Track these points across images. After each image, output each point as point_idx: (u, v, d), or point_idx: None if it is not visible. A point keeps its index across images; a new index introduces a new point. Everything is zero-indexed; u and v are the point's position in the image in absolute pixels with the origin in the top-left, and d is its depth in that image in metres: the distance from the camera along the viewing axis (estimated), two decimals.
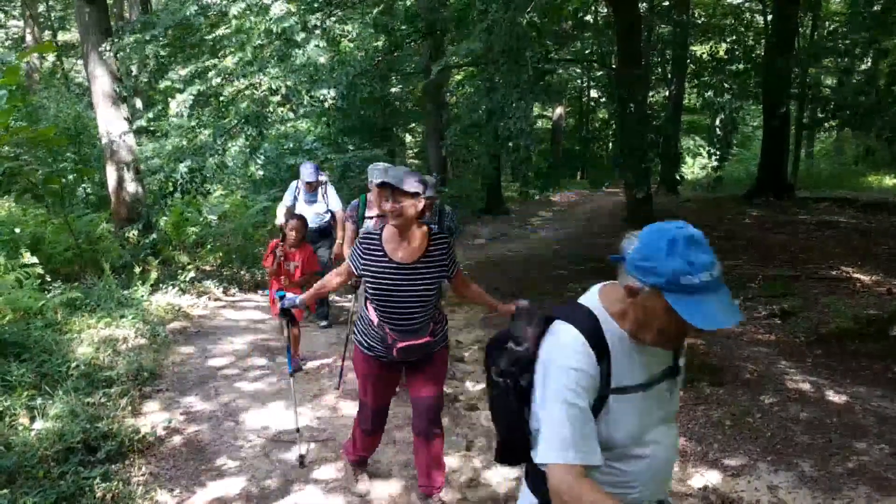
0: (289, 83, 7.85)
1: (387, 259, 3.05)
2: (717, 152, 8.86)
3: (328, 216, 7.04)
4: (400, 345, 3.11)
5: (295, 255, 5.60)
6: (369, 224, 4.82)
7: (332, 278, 3.42)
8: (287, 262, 5.58)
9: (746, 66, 8.96)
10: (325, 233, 7.08)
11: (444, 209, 5.15)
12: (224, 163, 9.08)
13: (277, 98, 8.07)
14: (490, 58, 7.09)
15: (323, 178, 7.09)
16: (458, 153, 19.13)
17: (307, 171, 6.78)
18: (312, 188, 6.86)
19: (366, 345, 3.25)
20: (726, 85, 9.04)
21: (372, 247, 3.09)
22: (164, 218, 9.58)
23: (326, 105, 8.84)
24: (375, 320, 3.14)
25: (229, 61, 7.96)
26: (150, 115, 8.78)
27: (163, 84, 9.31)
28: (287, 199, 7.04)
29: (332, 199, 7.09)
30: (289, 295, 3.69)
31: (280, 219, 6.79)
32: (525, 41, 6.88)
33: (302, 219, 5.70)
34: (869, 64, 11.45)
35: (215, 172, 8.38)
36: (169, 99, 8.35)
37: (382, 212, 2.83)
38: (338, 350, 6.42)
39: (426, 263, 3.09)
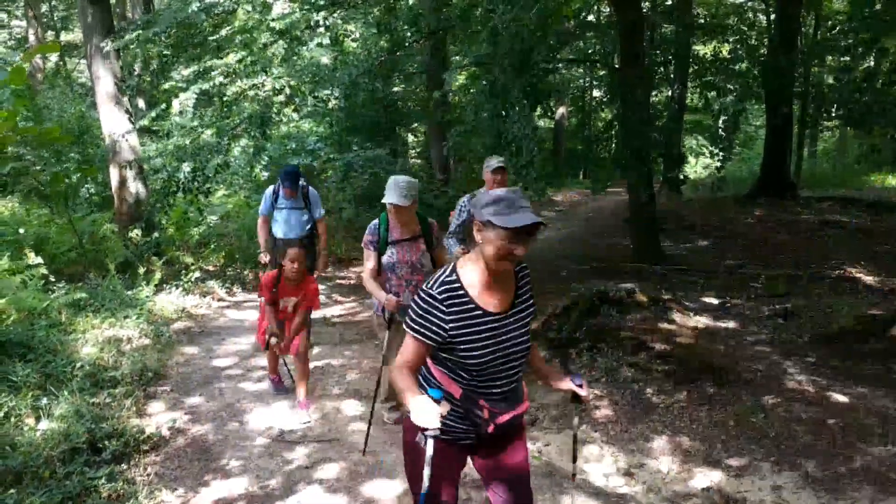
0: (292, 83, 7.85)
1: (479, 312, 2.26)
2: (720, 153, 8.86)
3: (311, 224, 6.31)
4: (500, 420, 2.32)
5: (295, 290, 4.78)
6: (394, 253, 4.13)
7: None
8: (285, 299, 4.78)
9: (749, 67, 8.94)
10: (310, 244, 6.28)
11: None
12: (227, 163, 9.07)
13: (281, 98, 8.07)
14: (496, 60, 7.08)
15: (302, 181, 6.30)
16: (462, 154, 19.11)
17: (286, 177, 6.04)
18: (293, 194, 6.11)
19: (441, 430, 2.20)
20: (730, 86, 9.03)
21: (457, 300, 2.24)
22: (166, 217, 9.60)
23: (330, 105, 8.84)
24: (458, 393, 2.32)
25: (231, 58, 7.96)
26: (153, 114, 8.77)
27: (166, 84, 9.33)
28: (263, 208, 6.26)
29: (314, 205, 6.28)
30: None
31: (261, 238, 6.24)
32: (530, 42, 6.88)
33: (304, 247, 5.01)
34: (871, 63, 11.44)
35: (217, 172, 8.36)
36: (172, 98, 8.34)
37: (504, 254, 2.13)
38: (339, 352, 6.45)
39: (521, 308, 2.37)
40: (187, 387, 5.42)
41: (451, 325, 2.22)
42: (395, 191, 4.02)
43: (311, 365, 6.00)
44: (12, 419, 4.18)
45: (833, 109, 9.32)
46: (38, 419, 4.25)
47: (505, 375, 2.33)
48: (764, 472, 3.79)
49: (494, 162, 5.04)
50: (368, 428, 4.25)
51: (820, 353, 5.69)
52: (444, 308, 2.22)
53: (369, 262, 4.17)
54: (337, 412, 4.94)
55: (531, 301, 2.42)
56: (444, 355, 2.31)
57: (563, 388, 2.54)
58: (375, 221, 4.21)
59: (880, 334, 5.86)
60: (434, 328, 2.22)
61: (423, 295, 2.26)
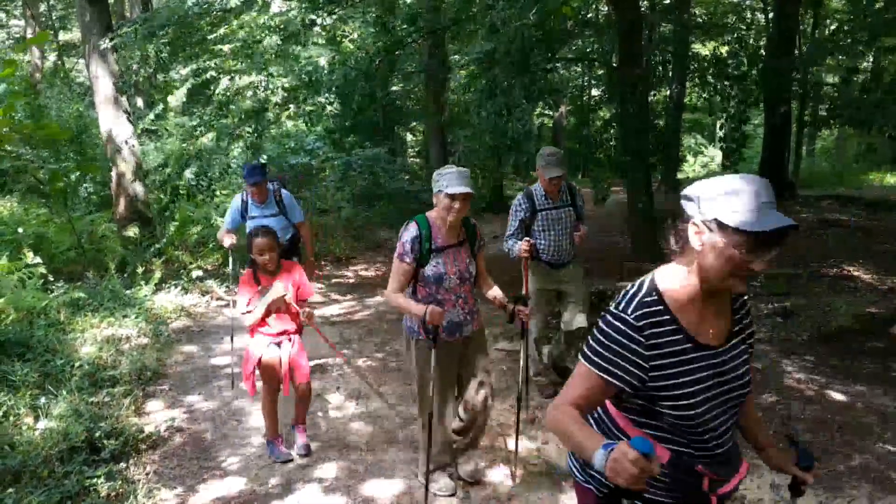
0: (287, 84, 7.83)
1: (690, 344, 1.66)
2: (729, 162, 8.95)
3: (291, 231, 5.61)
4: (723, 490, 1.78)
5: (283, 284, 3.98)
6: (440, 263, 3.35)
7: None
8: (264, 289, 3.98)
9: (747, 70, 8.95)
10: (292, 252, 5.65)
11: (574, 187, 4.86)
12: (228, 164, 9.10)
13: (277, 99, 8.06)
14: (496, 59, 7.07)
15: (273, 185, 5.53)
16: (469, 158, 19.12)
17: (250, 171, 5.28)
18: (262, 195, 5.31)
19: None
20: (731, 92, 9.04)
21: (661, 327, 1.65)
22: (174, 223, 9.60)
23: (327, 110, 8.85)
24: (666, 456, 1.70)
25: (226, 48, 7.94)
26: (153, 115, 8.80)
27: (162, 77, 9.33)
28: (229, 221, 5.47)
29: (290, 209, 5.52)
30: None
31: (225, 241, 5.42)
32: (530, 42, 6.88)
33: (268, 232, 4.01)
34: (871, 62, 11.45)
35: (221, 176, 8.40)
36: (168, 96, 8.36)
37: (737, 269, 1.55)
38: (342, 350, 6.44)
39: (741, 339, 1.79)
40: (186, 386, 5.42)
41: (652, 362, 1.63)
42: (458, 178, 3.28)
43: (309, 363, 5.99)
44: (11, 418, 4.18)
45: (839, 111, 9.32)
46: (36, 418, 4.25)
47: (723, 429, 1.75)
48: (762, 471, 3.78)
49: (548, 151, 4.67)
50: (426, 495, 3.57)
51: (819, 351, 5.69)
52: (642, 339, 1.62)
53: (398, 278, 3.37)
54: (336, 411, 4.94)
55: (752, 329, 1.84)
56: (639, 402, 1.71)
57: (785, 469, 1.93)
58: (412, 228, 3.34)
59: (879, 333, 5.88)
60: (628, 366, 1.63)
61: (611, 319, 1.66)
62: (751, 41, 12.43)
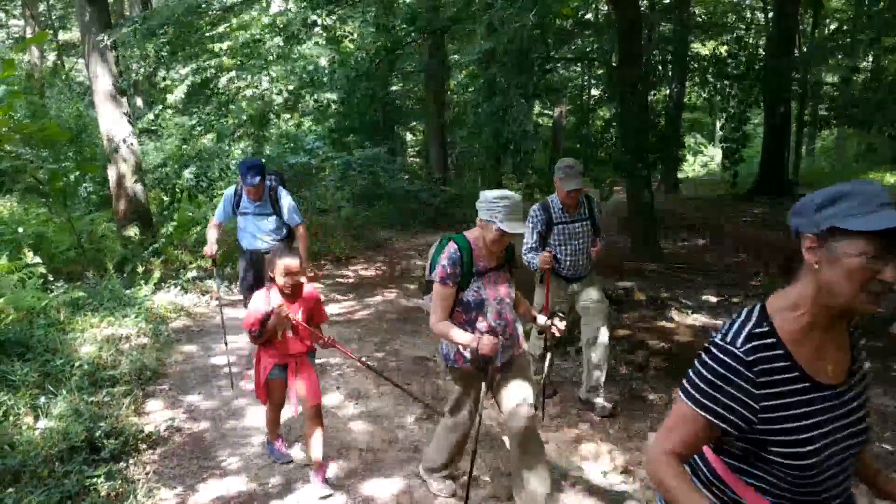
0: (290, 87, 7.84)
1: (807, 382, 1.47)
2: (730, 164, 8.97)
3: (284, 231, 5.32)
4: None
5: (295, 307, 3.66)
6: (481, 288, 3.11)
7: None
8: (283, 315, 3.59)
9: (748, 71, 8.98)
10: None
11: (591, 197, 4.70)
12: (228, 165, 9.10)
13: (279, 100, 8.07)
14: (495, 58, 7.08)
15: (269, 181, 5.25)
16: (466, 157, 19.16)
17: (248, 171, 4.91)
18: (258, 194, 5.07)
19: None
20: (730, 91, 9.06)
21: (773, 363, 1.46)
22: (173, 223, 9.61)
23: (330, 109, 8.86)
24: None
25: (225, 44, 7.95)
26: (152, 116, 8.81)
27: (160, 76, 9.34)
28: (220, 213, 5.27)
29: (286, 209, 5.20)
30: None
31: (210, 246, 5.22)
32: (531, 41, 6.88)
33: (295, 254, 3.62)
34: (870, 62, 11.45)
35: (220, 177, 8.42)
36: (167, 95, 8.37)
37: (867, 280, 1.36)
38: (337, 350, 6.42)
39: (859, 378, 1.58)
40: (186, 385, 5.43)
41: (764, 402, 1.44)
42: (514, 214, 2.98)
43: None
44: (11, 418, 4.18)
45: (839, 111, 9.34)
46: (36, 418, 4.25)
47: (840, 480, 1.53)
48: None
49: (566, 163, 4.46)
50: None
51: None
52: (752, 375, 1.43)
53: (442, 305, 3.09)
54: (336, 411, 4.94)
55: (868, 365, 1.62)
56: (743, 446, 1.51)
57: None
58: (452, 249, 3.05)
59: (879, 332, 5.88)
60: (735, 405, 1.44)
61: (716, 352, 1.48)
62: (750, 40, 12.44)
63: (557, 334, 3.40)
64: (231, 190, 5.23)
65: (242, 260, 5.42)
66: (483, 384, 3.19)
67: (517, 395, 3.22)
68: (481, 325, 3.12)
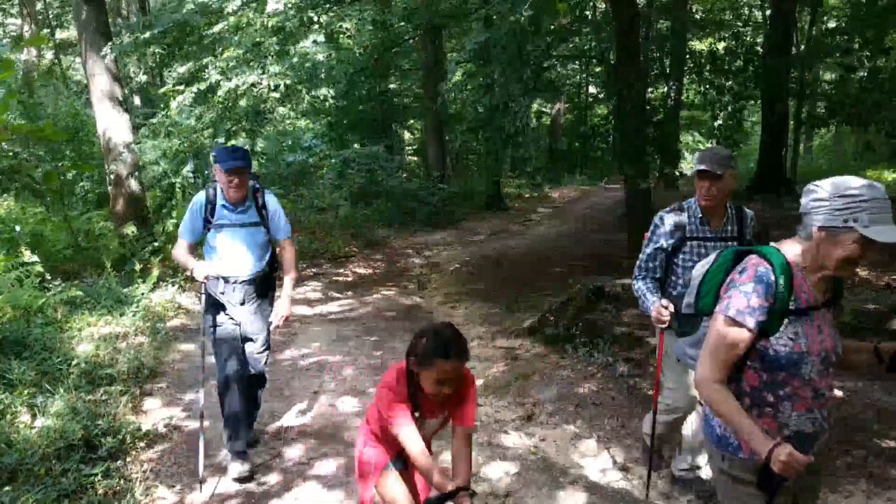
0: (288, 82, 7.83)
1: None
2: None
3: (270, 250, 4.03)
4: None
5: (437, 410, 2.64)
6: (800, 334, 1.98)
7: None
8: (422, 420, 2.62)
9: (744, 66, 8.98)
10: (268, 283, 4.05)
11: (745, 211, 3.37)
12: None
13: (276, 95, 8.06)
14: (492, 53, 7.08)
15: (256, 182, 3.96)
16: (461, 151, 19.15)
17: (229, 154, 3.70)
18: (240, 192, 3.73)
19: None
20: (726, 83, 9.07)
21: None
22: (171, 220, 9.59)
23: (327, 104, 8.84)
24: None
25: (229, 52, 7.94)
26: (154, 120, 8.81)
27: (163, 89, 9.34)
28: (186, 229, 3.87)
29: (277, 217, 3.95)
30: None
31: (198, 271, 3.77)
32: (525, 36, 6.88)
33: (462, 355, 2.41)
34: (868, 60, 11.47)
35: None
36: (170, 100, 8.36)
37: None
38: (337, 348, 6.44)
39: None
40: (183, 384, 5.42)
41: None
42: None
43: (307, 361, 5.99)
44: (8, 416, 4.17)
45: (834, 108, 9.36)
46: (33, 416, 4.24)
47: None
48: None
49: (706, 158, 3.17)
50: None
51: None
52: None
53: (723, 357, 1.99)
54: (334, 409, 4.94)
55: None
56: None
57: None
58: (763, 267, 1.98)
59: (876, 329, 5.87)
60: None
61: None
62: (748, 38, 12.45)
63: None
64: (201, 197, 3.82)
65: (208, 303, 3.94)
66: None
67: None
68: (785, 407, 2.04)
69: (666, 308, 3.06)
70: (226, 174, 3.65)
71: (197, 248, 4.06)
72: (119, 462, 3.94)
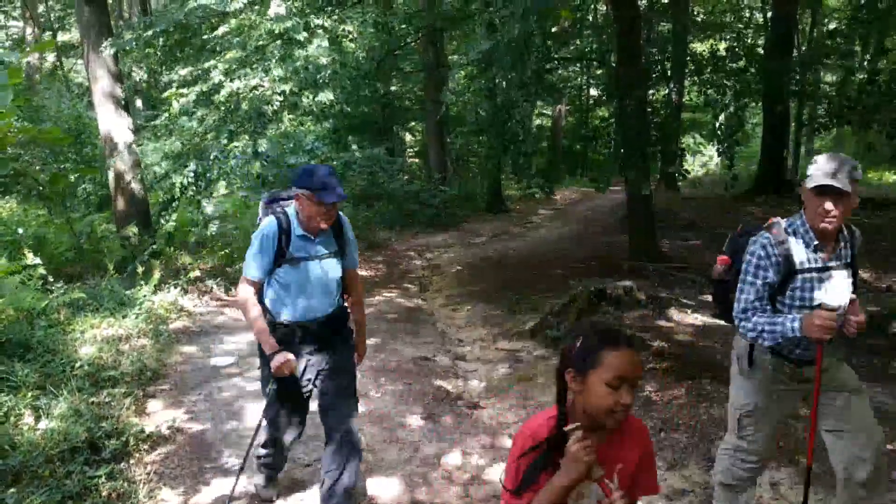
0: (292, 87, 7.82)
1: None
2: (727, 157, 8.97)
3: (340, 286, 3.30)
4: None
5: (607, 451, 1.82)
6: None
7: None
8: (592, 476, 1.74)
9: (747, 65, 8.98)
10: (342, 321, 3.34)
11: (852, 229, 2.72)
12: (230, 167, 9.10)
13: (280, 98, 8.07)
14: (494, 58, 7.08)
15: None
16: (462, 153, 19.16)
17: (326, 178, 2.96)
18: (329, 218, 3.05)
19: None
20: (727, 83, 9.06)
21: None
22: (172, 223, 9.60)
23: (332, 110, 8.83)
24: None
25: (231, 55, 7.95)
26: (156, 122, 8.82)
27: (166, 94, 9.35)
28: (257, 264, 3.10)
29: (351, 246, 3.33)
30: None
31: (260, 325, 3.10)
32: (528, 41, 6.89)
33: (631, 342, 1.80)
34: (868, 62, 11.47)
35: (220, 177, 8.40)
36: (173, 102, 8.37)
37: None
38: None
39: None
40: (186, 386, 5.43)
41: None
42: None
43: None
44: (12, 419, 4.18)
45: (835, 109, 9.36)
46: (37, 419, 4.25)
47: None
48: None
49: (827, 170, 2.49)
50: None
51: None
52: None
53: None
54: None
55: None
56: None
57: None
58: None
59: (878, 331, 5.88)
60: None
61: None
62: (749, 40, 12.46)
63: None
64: (272, 226, 3.07)
65: (271, 349, 3.06)
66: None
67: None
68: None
69: (833, 311, 2.38)
70: (317, 205, 2.97)
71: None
72: (123, 464, 3.95)
